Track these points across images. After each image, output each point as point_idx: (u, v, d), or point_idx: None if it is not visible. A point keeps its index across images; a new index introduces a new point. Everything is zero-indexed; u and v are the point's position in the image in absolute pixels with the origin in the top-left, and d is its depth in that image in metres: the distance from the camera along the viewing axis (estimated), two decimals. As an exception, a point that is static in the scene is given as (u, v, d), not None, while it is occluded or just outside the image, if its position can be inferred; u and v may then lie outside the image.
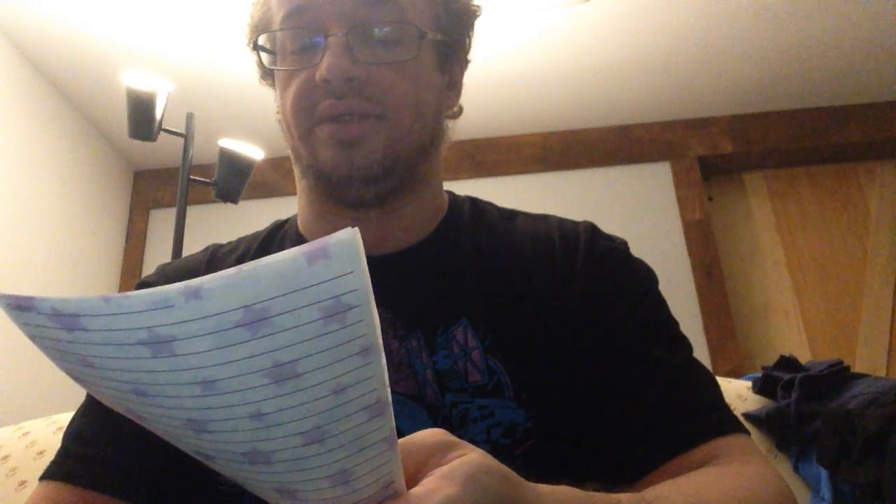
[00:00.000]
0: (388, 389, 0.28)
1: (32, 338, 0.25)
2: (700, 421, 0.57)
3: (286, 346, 0.24)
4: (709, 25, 2.35)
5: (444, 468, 0.33)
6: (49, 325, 0.24)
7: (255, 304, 0.23)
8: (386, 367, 0.28)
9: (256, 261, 0.23)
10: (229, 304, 0.23)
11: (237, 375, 0.24)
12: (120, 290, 2.82)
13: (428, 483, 0.32)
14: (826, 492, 0.91)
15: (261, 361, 0.24)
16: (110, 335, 0.24)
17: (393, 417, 0.29)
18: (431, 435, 0.36)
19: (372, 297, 0.25)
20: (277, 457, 0.27)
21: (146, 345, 0.24)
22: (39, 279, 2.33)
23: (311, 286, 0.24)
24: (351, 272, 0.24)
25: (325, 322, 0.24)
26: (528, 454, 0.56)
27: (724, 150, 2.82)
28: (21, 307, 0.24)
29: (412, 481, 0.34)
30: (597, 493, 0.43)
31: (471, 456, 0.34)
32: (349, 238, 0.24)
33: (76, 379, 0.27)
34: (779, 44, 2.46)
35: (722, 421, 0.59)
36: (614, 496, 0.44)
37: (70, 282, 2.52)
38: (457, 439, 0.36)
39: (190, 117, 2.11)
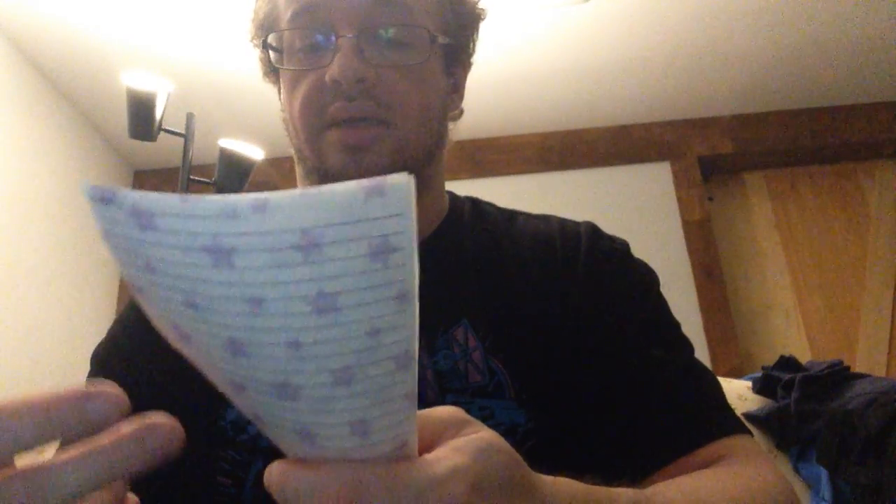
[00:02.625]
0: (417, 344, 0.29)
1: (106, 233, 0.26)
2: (703, 422, 0.57)
3: (332, 276, 0.25)
4: (709, 25, 2.35)
5: (458, 441, 0.34)
6: (126, 220, 0.25)
7: (311, 227, 0.24)
8: (418, 321, 0.29)
9: (319, 186, 0.24)
10: (290, 224, 0.24)
11: (284, 298, 0.25)
12: (119, 290, 2.82)
13: (439, 452, 0.33)
14: (826, 492, 0.91)
15: (307, 287, 0.25)
16: (178, 238, 0.24)
17: (416, 375, 0.30)
18: (447, 411, 0.36)
19: (416, 245, 0.26)
20: (305, 393, 0.28)
21: (209, 252, 0.24)
22: (38, 279, 2.33)
23: (363, 220, 0.25)
24: (400, 214, 0.25)
25: (371, 259, 0.25)
26: (528, 455, 0.55)
27: (724, 150, 2.83)
28: (104, 199, 0.25)
29: (425, 453, 0.34)
30: (596, 486, 0.43)
31: (484, 433, 0.35)
32: (404, 182, 0.25)
33: (134, 286, 0.28)
34: (779, 44, 2.46)
35: (725, 422, 0.58)
36: (614, 490, 0.44)
37: (69, 281, 2.52)
38: (472, 418, 0.36)
39: (190, 117, 2.11)
